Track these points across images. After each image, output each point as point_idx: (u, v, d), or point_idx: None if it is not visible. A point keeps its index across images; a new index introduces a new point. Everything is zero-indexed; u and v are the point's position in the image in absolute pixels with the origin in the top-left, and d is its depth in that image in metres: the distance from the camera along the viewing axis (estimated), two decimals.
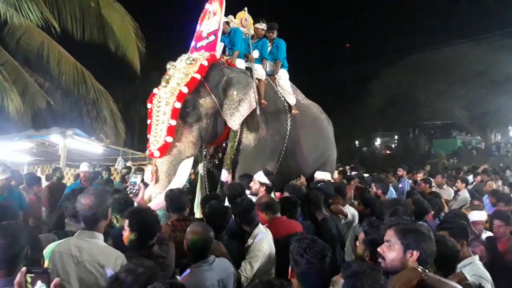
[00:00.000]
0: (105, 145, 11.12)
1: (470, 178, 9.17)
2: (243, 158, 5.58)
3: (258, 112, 5.44)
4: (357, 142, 35.73)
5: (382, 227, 2.51)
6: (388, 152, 35.18)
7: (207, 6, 6.14)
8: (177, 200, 3.47)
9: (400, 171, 8.79)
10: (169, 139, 4.69)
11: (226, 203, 4.06)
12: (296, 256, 2.11)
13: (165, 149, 4.69)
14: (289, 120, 6.04)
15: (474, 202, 5.25)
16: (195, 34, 6.17)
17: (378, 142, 42.79)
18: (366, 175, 8.51)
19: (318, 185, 4.98)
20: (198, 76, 4.87)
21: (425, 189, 6.78)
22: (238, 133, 5.49)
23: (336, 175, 7.50)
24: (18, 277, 1.67)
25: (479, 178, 8.96)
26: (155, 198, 4.60)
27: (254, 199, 3.97)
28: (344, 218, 4.69)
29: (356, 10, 42.81)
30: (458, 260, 2.49)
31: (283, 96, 6.14)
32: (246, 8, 6.40)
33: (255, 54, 6.03)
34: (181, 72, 4.90)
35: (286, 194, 4.61)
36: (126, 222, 2.72)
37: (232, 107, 5.11)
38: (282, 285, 1.75)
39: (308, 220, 4.19)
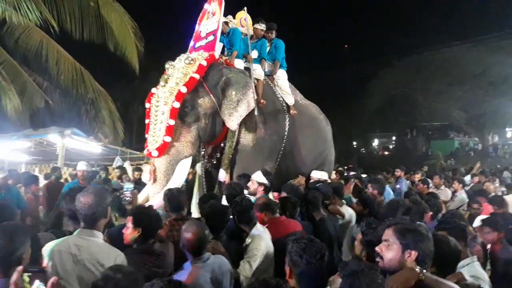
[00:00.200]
0: (103, 144, 11.12)
1: (467, 178, 9.19)
2: (241, 158, 5.59)
3: (256, 112, 5.45)
4: (355, 143, 35.76)
5: (380, 228, 2.53)
6: (386, 153, 35.26)
7: (206, 6, 6.14)
8: (176, 200, 3.47)
9: (398, 172, 8.81)
10: (168, 139, 4.70)
11: (224, 203, 4.06)
12: (295, 257, 2.11)
13: (163, 149, 4.71)
14: (287, 120, 6.05)
15: (473, 205, 5.17)
16: (194, 34, 6.18)
17: (376, 143, 42.87)
18: (364, 175, 8.52)
19: (317, 185, 4.99)
20: (197, 76, 4.88)
21: (422, 189, 6.80)
22: (237, 133, 5.50)
23: (333, 175, 7.52)
24: (14, 277, 1.68)
25: (476, 179, 8.99)
26: (153, 197, 4.60)
27: (252, 199, 3.97)
28: (342, 219, 4.71)
29: (355, 11, 42.95)
30: (459, 261, 2.49)
31: (281, 96, 6.15)
32: (245, 8, 6.40)
33: (254, 54, 6.04)
34: (180, 72, 4.91)
35: (283, 194, 4.62)
36: (130, 219, 2.73)
37: (230, 107, 5.12)
38: (278, 284, 1.76)
39: (306, 220, 4.21)
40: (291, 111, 6.08)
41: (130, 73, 12.99)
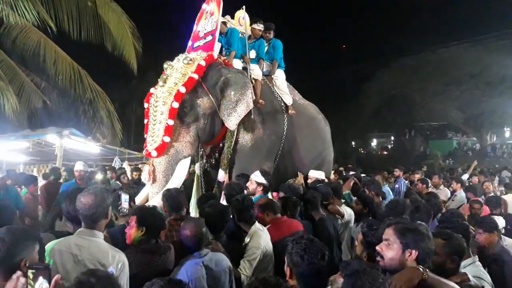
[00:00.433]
0: (101, 145, 11.10)
1: (464, 177, 9.21)
2: (240, 158, 5.59)
3: (254, 112, 5.45)
4: (353, 143, 35.80)
5: (381, 228, 2.53)
6: (385, 152, 35.34)
7: (204, 6, 6.13)
8: (175, 200, 3.47)
9: (397, 172, 8.82)
10: (167, 139, 4.69)
11: (223, 203, 4.06)
12: (296, 258, 2.10)
13: (162, 149, 4.69)
14: (286, 120, 6.05)
15: (474, 205, 5.16)
16: (192, 34, 6.17)
17: (374, 143, 42.93)
18: (363, 175, 8.52)
19: (317, 185, 4.99)
20: (195, 76, 4.87)
21: (422, 189, 6.81)
22: (235, 133, 5.50)
23: (332, 175, 7.52)
24: (17, 272, 1.67)
25: (476, 179, 9.00)
26: (152, 198, 4.60)
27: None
28: (341, 218, 4.71)
29: (353, 12, 42.99)
30: (461, 259, 2.48)
31: (279, 96, 6.15)
32: (244, 6, 6.40)
33: (252, 54, 6.04)
34: (178, 72, 4.90)
35: (281, 194, 4.63)
36: (134, 218, 2.73)
37: (229, 107, 5.12)
38: (278, 282, 1.75)
39: (305, 220, 4.21)
40: (290, 111, 6.08)
41: (128, 73, 12.98)
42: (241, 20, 6.26)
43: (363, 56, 35.48)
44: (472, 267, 2.67)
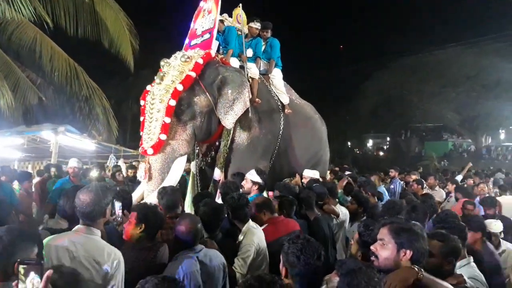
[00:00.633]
0: (97, 142, 11.06)
1: (458, 178, 9.24)
2: (236, 156, 5.58)
3: (251, 111, 5.44)
4: (349, 143, 35.89)
5: (376, 232, 2.53)
6: (381, 153, 35.44)
7: (201, 4, 6.12)
8: (170, 198, 3.47)
9: (392, 172, 8.85)
10: (163, 137, 4.67)
11: (219, 202, 4.06)
12: (292, 258, 2.11)
13: (158, 147, 4.68)
14: (282, 120, 6.05)
15: (467, 206, 5.14)
16: (189, 31, 6.15)
17: (370, 143, 43.04)
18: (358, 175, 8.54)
19: (313, 185, 5.00)
20: (193, 74, 4.85)
21: (417, 190, 6.83)
22: (232, 131, 5.49)
23: (328, 175, 7.53)
24: None
25: (471, 181, 9.02)
26: (148, 196, 4.58)
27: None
28: (336, 218, 4.71)
29: (351, 12, 43.01)
30: (456, 259, 2.48)
31: (276, 96, 6.15)
32: (240, 4, 6.40)
33: (249, 52, 6.04)
34: (175, 69, 4.88)
35: (277, 192, 4.63)
36: (134, 215, 2.76)
37: (226, 106, 5.11)
38: (273, 280, 1.76)
39: (300, 219, 4.21)
40: (286, 110, 6.09)
41: (124, 70, 12.92)
42: (238, 18, 6.26)
43: (360, 57, 35.57)
44: (468, 268, 2.67)
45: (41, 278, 1.64)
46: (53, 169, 7.42)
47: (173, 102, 4.68)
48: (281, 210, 3.91)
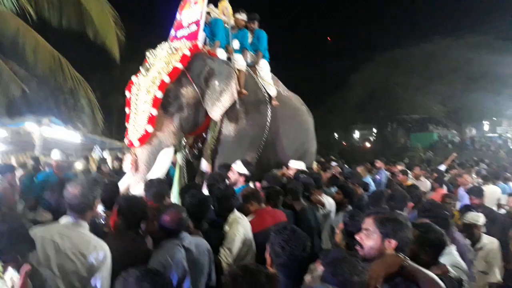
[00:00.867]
0: (82, 134, 10.94)
1: (441, 168, 9.37)
2: (223, 148, 5.59)
3: (238, 103, 5.44)
4: (336, 135, 36.04)
5: (361, 222, 2.57)
6: (368, 145, 35.68)
7: None
8: (156, 190, 3.47)
9: (378, 163, 8.92)
10: (150, 129, 4.64)
11: (205, 193, 4.06)
12: (277, 248, 2.13)
13: (145, 139, 4.66)
14: (269, 111, 6.06)
15: (446, 199, 5.05)
16: (175, 22, 6.10)
17: (357, 135, 43.28)
18: (345, 166, 8.62)
19: (300, 176, 5.03)
20: (180, 66, 4.81)
21: (403, 180, 6.90)
22: (219, 123, 5.49)
23: (315, 166, 7.58)
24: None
25: (455, 171, 9.16)
26: (134, 187, 4.56)
27: None
28: (322, 208, 4.75)
29: (336, 5, 42.91)
30: (442, 250, 2.49)
31: (264, 87, 6.15)
32: None
33: (236, 44, 6.02)
34: (162, 61, 4.84)
35: (264, 183, 4.65)
36: (116, 207, 2.80)
37: (213, 98, 5.09)
38: (258, 269, 1.77)
39: (287, 210, 4.24)
40: (274, 102, 6.09)
41: (110, 62, 12.77)
42: (224, 11, 6.22)
43: (346, 49, 35.66)
44: (450, 257, 2.70)
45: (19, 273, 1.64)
46: (30, 162, 7.32)
47: (159, 94, 4.65)
48: (268, 201, 3.93)
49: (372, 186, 6.77)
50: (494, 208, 5.99)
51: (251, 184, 4.78)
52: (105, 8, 10.43)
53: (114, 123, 23.38)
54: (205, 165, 5.54)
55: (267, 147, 6.10)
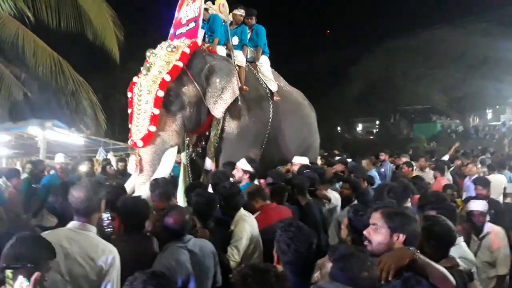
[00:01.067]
0: (85, 136, 10.95)
1: (445, 158, 9.31)
2: (226, 146, 5.57)
3: (240, 99, 5.42)
4: (339, 128, 35.97)
5: (366, 217, 2.55)
6: (371, 137, 35.59)
7: None
8: (163, 190, 3.47)
9: (382, 156, 8.89)
10: (153, 129, 4.63)
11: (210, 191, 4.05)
12: (283, 246, 2.13)
13: (148, 139, 4.64)
14: (271, 107, 6.04)
15: (448, 191, 5.06)
16: (174, 21, 6.07)
17: (359, 127, 43.20)
18: (349, 160, 8.59)
19: (304, 171, 5.01)
20: (180, 64, 4.79)
21: (407, 172, 6.87)
22: (221, 121, 5.48)
23: (319, 161, 7.56)
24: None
25: (458, 161, 9.10)
26: (139, 188, 4.56)
27: None
28: (328, 203, 4.74)
29: None
30: (452, 244, 2.46)
31: (264, 83, 6.13)
32: None
33: (235, 40, 5.99)
34: (162, 60, 4.82)
35: (269, 180, 4.64)
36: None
37: (215, 95, 5.08)
38: (267, 268, 1.77)
39: (291, 205, 4.23)
40: (275, 98, 6.07)
41: (110, 63, 12.75)
42: (221, 8, 6.19)
43: (346, 41, 35.44)
44: (457, 248, 2.67)
45: (29, 281, 1.63)
46: (28, 166, 7.34)
47: (161, 93, 4.64)
48: (273, 197, 3.93)
49: (378, 180, 6.74)
50: (500, 197, 5.97)
51: (256, 181, 4.78)
52: (103, 8, 10.40)
53: (116, 124, 23.40)
54: (209, 163, 5.53)
55: (270, 143, 6.08)
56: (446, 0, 28.62)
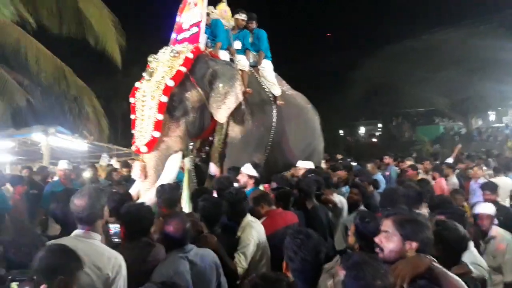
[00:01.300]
0: (89, 142, 10.94)
1: (449, 161, 9.24)
2: (230, 151, 5.55)
3: (243, 104, 5.40)
4: (341, 131, 35.94)
5: (372, 224, 2.54)
6: (374, 140, 35.56)
7: None
8: (169, 196, 3.44)
9: (387, 159, 8.84)
10: (157, 134, 4.60)
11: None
12: (291, 253, 2.10)
13: (152, 144, 4.61)
14: (274, 111, 6.02)
15: (456, 196, 4.96)
16: (175, 25, 6.06)
17: (362, 130, 43.17)
18: (354, 163, 8.55)
19: (309, 175, 4.97)
20: (183, 69, 4.77)
21: (412, 176, 6.82)
22: (225, 126, 5.45)
23: (323, 165, 7.53)
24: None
25: (463, 164, 9.02)
26: (144, 194, 4.53)
27: None
28: (334, 207, 4.70)
29: (338, 0, 42.73)
30: (465, 250, 2.42)
31: (267, 87, 6.11)
32: (225, 0, 6.33)
33: (237, 45, 5.99)
34: (165, 65, 4.80)
35: (274, 184, 4.61)
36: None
37: (218, 100, 5.05)
38: (278, 278, 1.74)
39: (297, 209, 4.19)
40: (278, 102, 6.06)
41: (112, 68, 12.78)
42: (223, 14, 6.19)
43: (348, 44, 35.48)
44: (469, 253, 2.62)
45: None
46: (24, 171, 7.33)
47: (164, 99, 4.61)
48: (278, 202, 3.89)
49: (383, 183, 6.69)
50: (507, 200, 5.91)
51: (260, 187, 4.74)
52: (104, 14, 10.44)
53: (118, 129, 23.41)
54: (213, 169, 5.51)
55: (274, 148, 6.06)
56: (447, 2, 28.60)
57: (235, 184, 4.44)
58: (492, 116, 34.79)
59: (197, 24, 5.54)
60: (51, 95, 11.61)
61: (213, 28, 5.80)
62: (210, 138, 5.60)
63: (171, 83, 4.66)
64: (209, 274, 2.70)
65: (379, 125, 39.22)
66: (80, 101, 11.00)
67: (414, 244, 2.01)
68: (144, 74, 4.85)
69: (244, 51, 5.99)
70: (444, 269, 1.90)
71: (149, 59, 4.96)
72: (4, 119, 10.31)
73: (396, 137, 31.63)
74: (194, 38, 5.47)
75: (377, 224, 2.53)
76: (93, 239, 2.38)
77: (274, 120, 6.00)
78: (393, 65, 26.45)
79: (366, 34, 34.68)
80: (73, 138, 10.10)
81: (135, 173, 4.76)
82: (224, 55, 5.72)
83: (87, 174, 6.94)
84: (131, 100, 4.97)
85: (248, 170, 4.61)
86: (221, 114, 5.10)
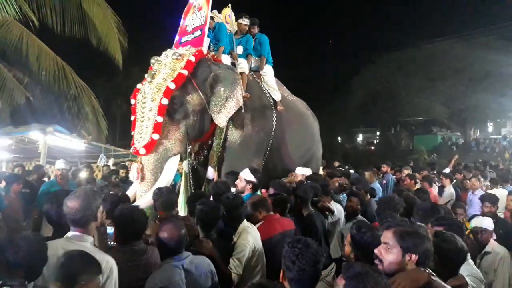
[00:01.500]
0: (86, 141, 10.91)
1: (446, 171, 9.22)
2: (229, 155, 5.54)
3: (243, 109, 5.40)
4: (339, 138, 36.01)
5: (368, 234, 2.54)
6: (372, 148, 35.60)
7: (191, 0, 6.05)
8: (166, 199, 3.42)
9: (384, 167, 8.83)
10: (156, 136, 4.58)
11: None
12: (288, 262, 2.08)
13: (151, 147, 4.59)
14: (274, 117, 6.02)
15: (457, 210, 4.91)
16: (179, 28, 6.07)
17: (360, 138, 43.25)
18: (352, 171, 8.53)
19: (306, 182, 4.96)
20: (185, 72, 4.77)
21: (410, 185, 6.82)
22: (224, 130, 5.44)
23: (321, 171, 7.53)
24: None
25: (460, 175, 9.01)
26: (141, 196, 4.52)
27: None
28: (331, 215, 4.69)
29: (338, 6, 42.92)
30: (463, 262, 2.42)
31: (268, 92, 6.12)
32: (229, 4, 6.35)
33: (239, 49, 6.00)
34: (167, 67, 4.80)
35: (271, 190, 4.59)
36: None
37: (219, 104, 5.05)
38: (274, 286, 1.73)
39: (293, 216, 4.18)
40: (278, 107, 6.06)
41: (113, 69, 12.79)
42: (227, 18, 6.21)
43: (347, 52, 35.67)
44: (466, 265, 2.60)
45: None
46: (17, 169, 7.29)
47: (165, 101, 4.60)
48: (275, 208, 3.88)
49: (380, 192, 6.68)
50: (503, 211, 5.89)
51: (258, 192, 4.73)
52: (108, 15, 10.43)
53: (117, 129, 23.39)
54: (211, 173, 5.49)
55: (273, 153, 6.06)
56: (449, 13, 28.81)
57: (233, 189, 4.43)
58: (490, 127, 34.93)
59: (200, 28, 5.55)
60: (50, 93, 11.58)
61: (216, 32, 5.82)
62: (209, 142, 5.58)
63: (173, 86, 4.65)
64: (204, 283, 2.67)
65: (377, 133, 39.32)
66: (80, 101, 10.97)
67: (414, 257, 2.00)
68: (146, 75, 4.85)
69: (246, 56, 6.00)
70: (443, 283, 1.89)
71: (152, 60, 4.97)
72: (2, 116, 10.29)
73: (394, 146, 31.68)
74: (197, 42, 5.48)
75: (373, 235, 2.53)
76: (85, 241, 2.37)
77: (274, 125, 6.00)
78: (393, 73, 26.62)
79: (367, 42, 34.86)
80: (71, 137, 10.06)
81: (133, 174, 4.74)
82: (226, 60, 5.73)
83: (83, 174, 6.90)
84: (132, 101, 4.96)
85: (246, 175, 4.59)
86: (221, 118, 5.10)
